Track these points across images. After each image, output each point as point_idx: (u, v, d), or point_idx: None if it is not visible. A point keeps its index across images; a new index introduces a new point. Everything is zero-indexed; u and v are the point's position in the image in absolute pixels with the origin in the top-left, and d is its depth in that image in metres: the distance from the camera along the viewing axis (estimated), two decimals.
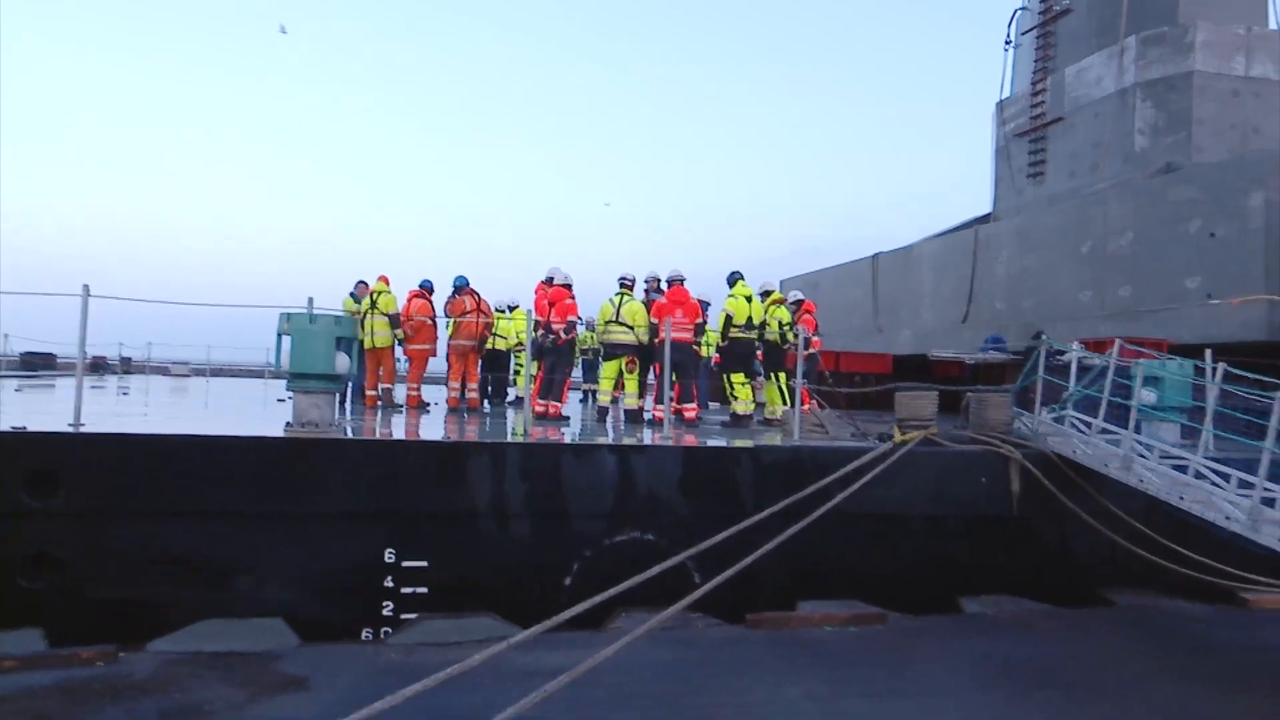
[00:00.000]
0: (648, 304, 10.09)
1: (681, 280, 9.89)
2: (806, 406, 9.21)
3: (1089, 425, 8.23)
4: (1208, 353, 8.94)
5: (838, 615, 6.47)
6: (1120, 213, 13.83)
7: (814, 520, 7.11)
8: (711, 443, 7.88)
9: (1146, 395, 8.61)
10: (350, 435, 7.32)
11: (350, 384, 11.19)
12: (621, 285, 9.80)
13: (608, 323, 9.59)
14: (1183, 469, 7.21)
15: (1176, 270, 12.62)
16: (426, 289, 10.98)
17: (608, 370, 9.73)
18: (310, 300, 7.39)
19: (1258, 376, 7.38)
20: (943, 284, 17.64)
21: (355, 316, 10.41)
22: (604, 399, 9.89)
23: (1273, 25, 16.05)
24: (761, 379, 10.36)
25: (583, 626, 5.80)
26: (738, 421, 9.79)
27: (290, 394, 7.03)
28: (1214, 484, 6.85)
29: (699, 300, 10.23)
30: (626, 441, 7.56)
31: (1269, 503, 6.41)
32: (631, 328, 9.52)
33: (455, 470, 6.71)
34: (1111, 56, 16.02)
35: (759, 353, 10.42)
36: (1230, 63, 14.93)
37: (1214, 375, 7.85)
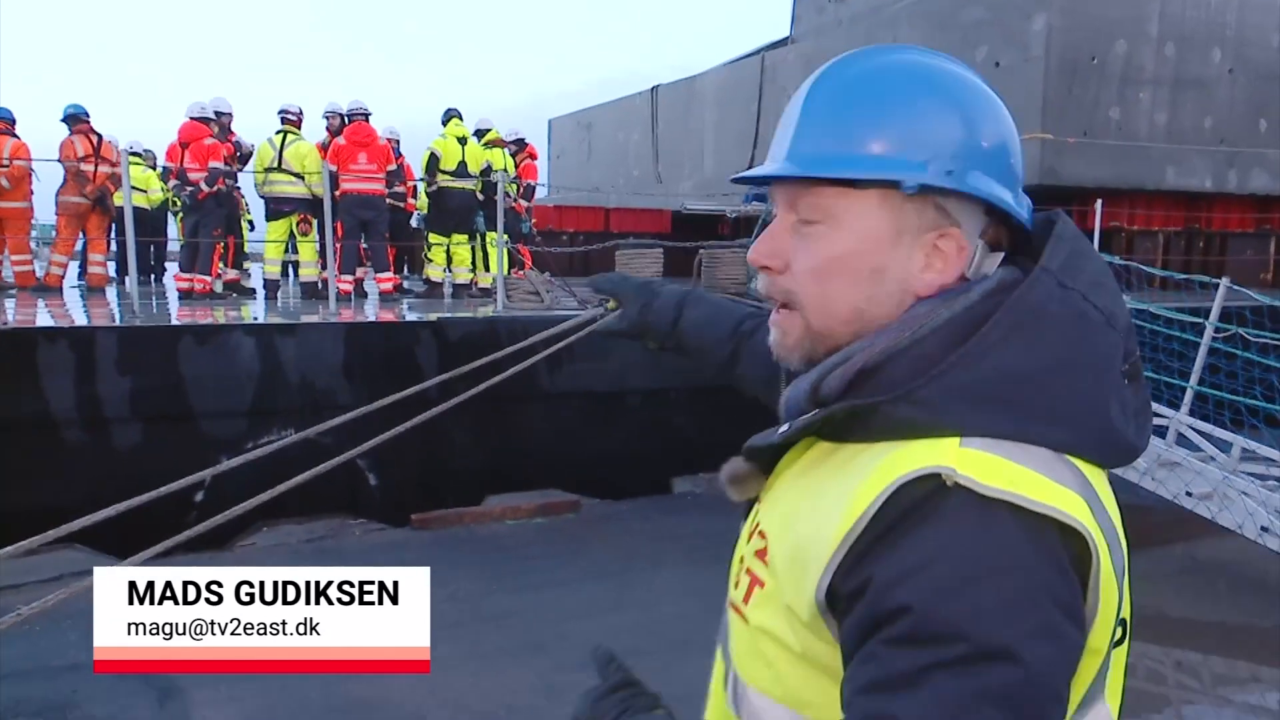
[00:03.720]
0: (327, 146, 9.75)
1: (366, 115, 9.61)
2: (523, 271, 9.51)
3: None
4: None
5: (523, 507, 7.03)
6: (910, 37, 14.92)
7: (511, 403, 7.57)
8: (384, 317, 8.00)
9: None
10: None
11: None
12: (284, 121, 9.36)
13: (268, 170, 9.20)
14: None
15: None
16: (7, 120, 9.81)
17: (274, 232, 9.42)
18: None
19: None
20: (727, 123, 18.38)
21: None
22: (271, 270, 9.62)
23: None
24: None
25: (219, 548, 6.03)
26: (432, 290, 10.04)
27: None
28: None
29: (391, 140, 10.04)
30: (269, 321, 7.49)
31: None
32: (301, 176, 9.20)
33: (20, 367, 6.38)
34: None
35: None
36: None
37: None
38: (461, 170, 10.12)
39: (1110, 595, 0.74)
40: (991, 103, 0.85)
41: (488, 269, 10.38)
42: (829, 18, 18.26)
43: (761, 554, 0.84)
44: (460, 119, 10.51)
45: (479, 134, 10.55)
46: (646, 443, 8.16)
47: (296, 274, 10.54)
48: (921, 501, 0.71)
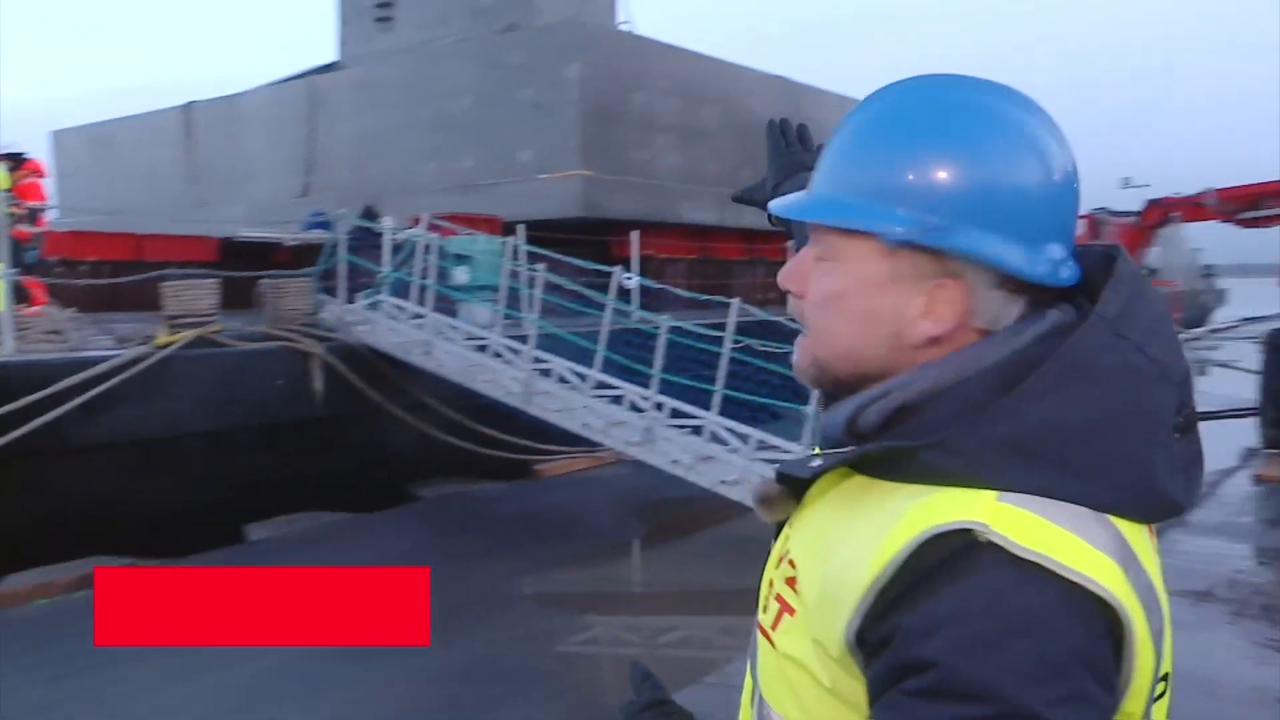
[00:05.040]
0: None
1: None
2: (39, 308, 8.14)
3: (405, 310, 9.21)
4: (519, 229, 10.77)
5: (58, 582, 6.05)
6: (460, 73, 15.51)
7: (34, 460, 6.45)
8: None
9: (460, 275, 10.02)
10: None
11: None
12: None
13: None
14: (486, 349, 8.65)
15: (511, 141, 14.83)
16: None
17: None
18: None
19: (547, 253, 9.18)
20: (277, 147, 17.49)
21: None
22: None
23: None
24: None
25: None
26: None
27: None
28: (509, 362, 8.40)
29: None
30: None
31: (545, 375, 8.16)
32: None
33: None
34: None
35: None
36: None
37: (513, 253, 9.52)
38: None
39: (1146, 660, 0.73)
40: (1017, 149, 0.79)
41: None
42: (377, 46, 18.20)
43: (791, 582, 0.82)
44: None
45: None
46: (212, 490, 7.45)
47: None
48: (953, 555, 0.69)
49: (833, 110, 19.98)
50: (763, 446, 7.05)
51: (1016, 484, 0.71)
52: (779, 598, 0.83)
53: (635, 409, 7.60)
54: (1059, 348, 0.74)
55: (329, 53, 19.57)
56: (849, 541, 0.76)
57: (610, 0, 18.83)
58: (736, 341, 7.10)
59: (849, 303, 0.81)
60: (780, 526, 0.91)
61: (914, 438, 0.75)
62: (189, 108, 19.13)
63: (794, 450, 6.65)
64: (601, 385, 7.88)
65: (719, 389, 7.27)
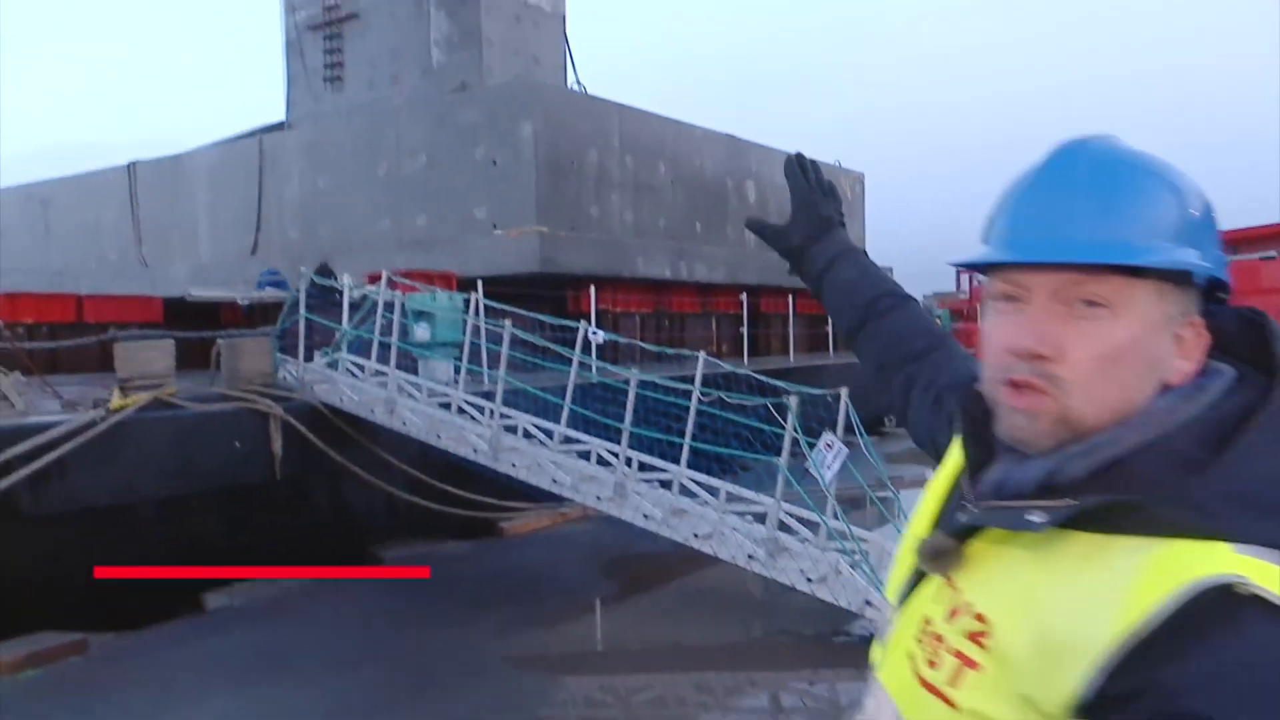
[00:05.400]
0: None
1: None
2: None
3: (365, 369, 9.09)
4: (479, 284, 10.76)
5: (7, 660, 5.74)
6: (413, 132, 15.59)
7: None
8: None
9: (421, 332, 9.95)
10: None
11: None
12: None
13: None
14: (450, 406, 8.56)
15: (466, 198, 14.90)
16: None
17: None
18: None
19: (509, 308, 9.18)
20: (224, 206, 17.35)
21: None
22: None
23: None
24: None
25: None
26: None
27: None
28: (473, 418, 8.32)
29: None
30: None
31: (510, 431, 8.09)
32: None
33: None
34: None
35: None
36: None
37: (474, 309, 9.49)
38: None
39: None
40: None
41: None
42: (326, 105, 18.21)
43: (977, 637, 0.79)
44: None
45: None
46: (167, 558, 7.19)
47: None
48: (1211, 608, 0.68)
49: (779, 166, 20.43)
50: (732, 499, 7.06)
51: (1248, 535, 0.71)
52: (958, 654, 0.81)
53: (602, 463, 7.57)
54: (1269, 405, 0.77)
55: (276, 112, 19.56)
56: (1070, 595, 0.75)
57: (561, 61, 19.17)
58: (705, 394, 7.12)
59: (1138, 350, 0.79)
60: (917, 579, 0.91)
61: (1124, 491, 0.75)
62: (132, 167, 18.89)
63: (766, 502, 6.67)
64: (568, 440, 7.85)
65: (687, 441, 7.28)
